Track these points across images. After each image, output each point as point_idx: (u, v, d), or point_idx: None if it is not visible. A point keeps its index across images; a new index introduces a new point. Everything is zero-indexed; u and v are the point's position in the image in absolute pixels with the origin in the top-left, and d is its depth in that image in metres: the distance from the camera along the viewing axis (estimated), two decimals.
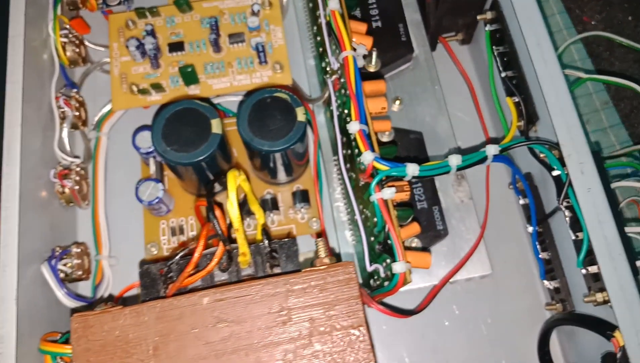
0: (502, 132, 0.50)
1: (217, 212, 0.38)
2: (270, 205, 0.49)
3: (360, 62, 0.44)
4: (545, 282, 0.46)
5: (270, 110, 0.44)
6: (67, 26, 0.53)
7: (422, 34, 0.55)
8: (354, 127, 0.40)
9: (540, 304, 0.47)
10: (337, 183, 0.51)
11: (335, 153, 0.51)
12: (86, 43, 0.57)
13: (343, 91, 0.45)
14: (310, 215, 0.50)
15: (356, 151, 0.41)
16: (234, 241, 0.39)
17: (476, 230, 0.48)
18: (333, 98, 0.46)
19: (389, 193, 0.38)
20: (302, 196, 0.50)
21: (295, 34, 0.58)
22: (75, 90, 0.52)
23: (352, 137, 0.41)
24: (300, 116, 0.44)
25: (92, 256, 0.50)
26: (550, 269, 0.45)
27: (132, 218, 0.51)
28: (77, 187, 0.48)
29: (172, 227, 0.50)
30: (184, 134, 0.43)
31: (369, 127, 0.41)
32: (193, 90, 0.54)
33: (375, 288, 0.43)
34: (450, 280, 0.46)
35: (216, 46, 0.54)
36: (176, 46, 0.55)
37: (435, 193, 0.48)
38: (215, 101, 0.56)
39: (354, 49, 0.44)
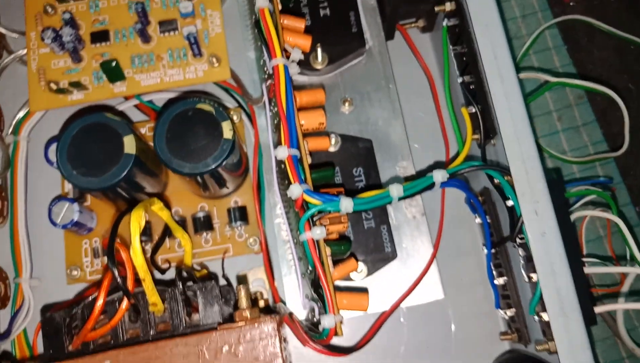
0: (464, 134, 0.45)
1: (123, 253, 0.34)
2: (203, 225, 0.45)
3: (294, 70, 0.38)
4: (500, 311, 0.42)
5: (191, 125, 0.39)
6: None
7: (377, 22, 0.49)
8: (281, 153, 0.35)
9: (495, 332, 0.43)
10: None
11: None
12: (1, 30, 0.51)
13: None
14: (249, 234, 0.46)
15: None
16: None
17: (428, 249, 0.43)
18: (267, 108, 0.41)
19: (319, 232, 0.33)
20: (240, 214, 0.45)
21: (236, 20, 0.51)
22: None
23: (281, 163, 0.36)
24: (227, 132, 0.39)
25: (11, 279, 0.46)
26: (507, 295, 0.42)
27: (56, 233, 0.46)
28: None
29: (95, 247, 0.45)
30: (92, 154, 0.38)
31: (300, 151, 0.36)
32: (119, 87, 0.48)
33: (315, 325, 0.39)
34: (400, 305, 0.43)
35: (144, 36, 0.48)
36: (100, 36, 0.49)
37: (384, 209, 0.44)
38: (147, 97, 0.50)
39: (287, 56, 0.38)
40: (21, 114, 0.49)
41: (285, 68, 0.37)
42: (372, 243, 0.43)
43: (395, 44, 0.51)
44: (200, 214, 0.45)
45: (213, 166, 0.38)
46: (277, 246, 0.44)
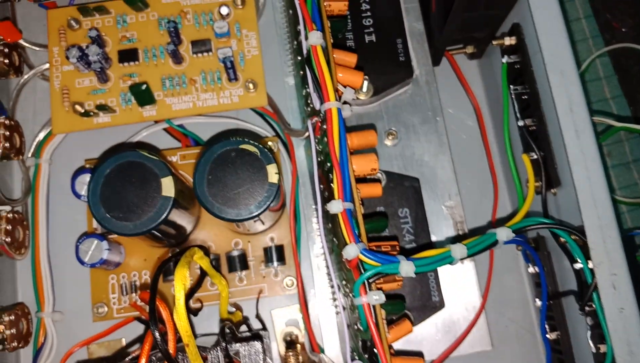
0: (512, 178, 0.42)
1: (164, 312, 0.31)
2: (238, 264, 0.42)
3: (347, 112, 0.35)
4: None
5: (234, 167, 0.36)
6: None
7: (425, 49, 0.46)
8: (336, 207, 0.32)
9: None
10: (318, 236, 0.44)
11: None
12: (22, 43, 0.47)
13: (326, 140, 0.37)
14: (286, 274, 0.43)
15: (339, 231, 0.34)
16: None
17: (476, 299, 0.41)
18: (313, 146, 0.38)
19: (376, 298, 0.31)
20: (277, 254, 0.42)
21: (273, 41, 0.48)
22: (3, 116, 0.43)
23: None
24: (272, 176, 0.36)
25: (33, 313, 0.43)
26: (559, 350, 0.39)
27: (82, 266, 0.43)
28: (7, 239, 0.40)
29: (122, 284, 0.43)
30: (127, 196, 0.35)
31: (355, 204, 0.33)
32: (148, 111, 0.45)
33: None
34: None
35: (175, 57, 0.45)
36: (128, 55, 0.46)
37: None
38: (178, 121, 0.47)
39: (339, 96, 0.35)
40: (42, 134, 0.46)
41: (339, 112, 0.34)
42: (418, 291, 0.40)
43: (440, 69, 0.48)
44: (235, 253, 0.42)
45: (257, 213, 0.35)
46: (314, 283, 0.42)
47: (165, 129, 0.47)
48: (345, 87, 0.36)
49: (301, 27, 0.38)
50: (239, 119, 0.47)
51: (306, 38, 0.36)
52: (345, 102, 0.35)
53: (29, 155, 0.46)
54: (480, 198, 0.46)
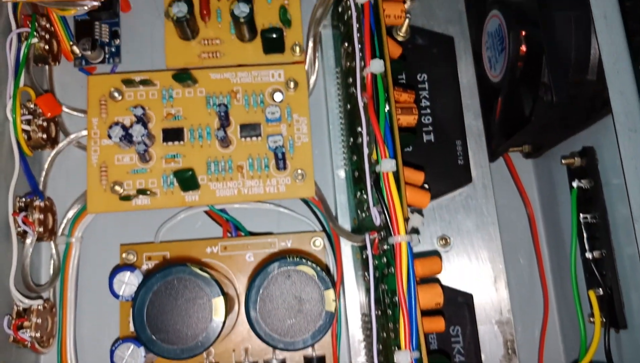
0: (568, 296, 0.40)
1: None
2: None
3: (415, 241, 0.33)
4: None
5: (290, 290, 0.34)
6: (32, 106, 0.41)
7: (483, 149, 0.44)
8: (404, 360, 0.30)
9: None
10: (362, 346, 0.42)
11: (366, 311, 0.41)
12: (62, 108, 0.45)
13: (385, 261, 0.35)
14: None
15: None
16: None
17: None
18: (372, 269, 0.36)
19: None
20: None
21: (321, 125, 0.46)
22: (40, 201, 0.40)
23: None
24: (330, 303, 0.34)
25: None
26: None
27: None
28: (37, 334, 0.38)
29: None
30: (175, 317, 0.33)
31: (421, 352, 0.31)
32: (191, 196, 0.43)
33: None
34: None
35: (224, 141, 0.43)
36: (173, 134, 0.43)
37: None
38: (219, 205, 0.45)
39: (407, 223, 0.33)
40: (74, 211, 0.44)
41: (409, 248, 0.32)
42: None
43: (494, 164, 0.46)
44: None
45: (311, 343, 0.33)
46: None
47: (205, 212, 0.45)
48: (412, 211, 0.34)
49: (364, 139, 0.36)
50: (284, 207, 0.45)
51: (371, 154, 0.34)
52: (414, 232, 0.33)
53: (60, 233, 0.43)
54: (528, 309, 0.44)
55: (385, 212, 0.33)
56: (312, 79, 0.46)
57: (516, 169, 0.46)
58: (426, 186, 0.40)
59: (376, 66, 0.34)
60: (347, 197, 0.44)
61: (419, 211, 0.38)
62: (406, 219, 0.32)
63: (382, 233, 0.35)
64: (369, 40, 0.34)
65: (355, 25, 0.37)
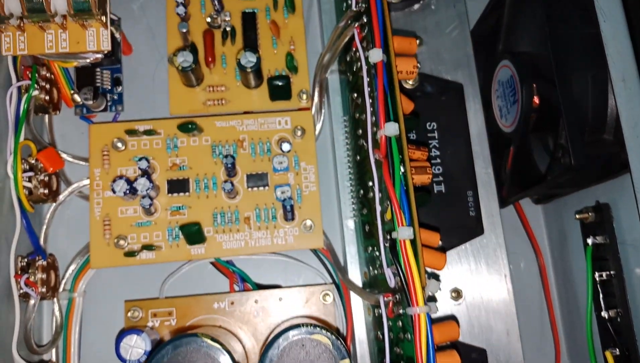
0: (581, 352, 0.40)
1: None
2: None
3: (434, 309, 0.33)
4: None
5: (304, 360, 0.33)
6: (34, 161, 0.40)
7: (493, 197, 0.43)
8: None
9: None
10: None
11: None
12: (62, 156, 0.43)
13: (400, 325, 0.34)
14: None
15: None
16: None
17: None
18: (386, 329, 0.35)
19: None
20: None
21: (330, 174, 0.46)
22: (42, 260, 0.39)
23: None
24: None
25: None
26: None
27: None
28: None
29: None
30: None
31: None
32: (197, 249, 0.42)
33: None
34: None
35: (231, 193, 0.42)
36: (178, 185, 0.42)
37: None
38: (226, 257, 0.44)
39: (424, 292, 0.32)
40: (77, 263, 0.42)
41: (428, 319, 0.31)
42: None
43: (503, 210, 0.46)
44: None
45: None
46: None
47: (211, 263, 0.44)
48: (428, 277, 0.34)
49: (376, 195, 0.35)
50: (292, 258, 0.44)
51: (384, 212, 0.33)
52: (431, 301, 0.33)
53: (62, 288, 0.42)
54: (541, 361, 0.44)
55: (402, 280, 0.32)
56: (319, 126, 0.45)
57: (526, 215, 0.46)
58: (440, 241, 0.39)
59: (391, 129, 0.33)
60: (356, 248, 0.43)
61: (436, 277, 0.38)
62: (424, 288, 0.32)
63: (397, 296, 0.34)
64: (383, 101, 0.34)
65: (365, 81, 0.36)
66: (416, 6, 0.45)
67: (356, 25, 0.39)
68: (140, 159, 0.41)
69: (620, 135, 0.34)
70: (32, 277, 0.38)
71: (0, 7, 0.34)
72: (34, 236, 0.39)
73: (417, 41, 0.43)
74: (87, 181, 0.43)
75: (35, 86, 0.40)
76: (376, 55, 0.34)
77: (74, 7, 0.35)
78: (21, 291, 0.37)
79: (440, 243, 0.39)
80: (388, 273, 0.35)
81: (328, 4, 0.46)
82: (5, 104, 0.39)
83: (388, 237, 0.34)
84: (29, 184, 0.39)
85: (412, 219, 0.33)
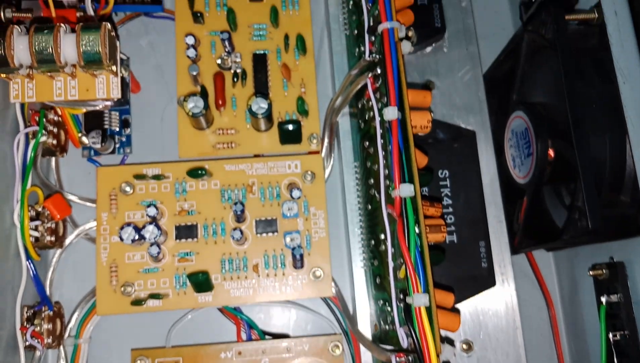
0: None
1: None
2: None
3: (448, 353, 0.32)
4: None
5: None
6: (41, 209, 0.39)
7: (505, 246, 0.43)
8: None
9: None
10: None
11: None
12: (68, 198, 0.43)
13: None
14: None
15: None
16: None
17: None
18: None
19: None
20: None
21: (339, 218, 0.45)
22: (49, 310, 0.39)
23: None
24: None
25: None
26: None
27: None
28: None
29: None
30: None
31: None
32: (204, 297, 0.41)
33: None
34: None
35: (239, 240, 0.41)
36: (186, 231, 0.42)
37: None
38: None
39: (439, 359, 0.32)
40: (83, 308, 0.42)
41: None
42: None
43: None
44: None
45: None
46: None
47: (219, 309, 0.44)
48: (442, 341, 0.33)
49: (389, 250, 0.35)
50: (300, 305, 0.44)
51: (396, 269, 0.32)
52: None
53: (67, 335, 0.41)
54: None
55: (416, 343, 0.32)
56: (328, 169, 0.44)
57: (537, 262, 0.45)
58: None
59: (406, 191, 0.32)
60: (367, 297, 0.42)
61: (450, 341, 0.37)
62: (438, 356, 0.31)
63: (409, 358, 0.34)
64: (398, 161, 0.33)
65: (379, 133, 0.36)
66: (428, 49, 0.45)
67: (370, 75, 0.38)
68: (149, 206, 0.40)
69: (637, 197, 0.33)
70: (39, 328, 0.37)
71: (10, 59, 0.34)
72: (40, 287, 0.39)
73: (430, 86, 0.43)
74: (93, 224, 0.42)
75: (43, 131, 0.39)
76: (391, 113, 0.34)
77: (85, 58, 0.35)
78: (27, 343, 0.37)
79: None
80: (401, 333, 0.34)
81: (339, 46, 0.46)
82: (13, 150, 0.38)
83: (401, 297, 0.33)
84: (35, 233, 0.38)
85: (428, 284, 0.32)
